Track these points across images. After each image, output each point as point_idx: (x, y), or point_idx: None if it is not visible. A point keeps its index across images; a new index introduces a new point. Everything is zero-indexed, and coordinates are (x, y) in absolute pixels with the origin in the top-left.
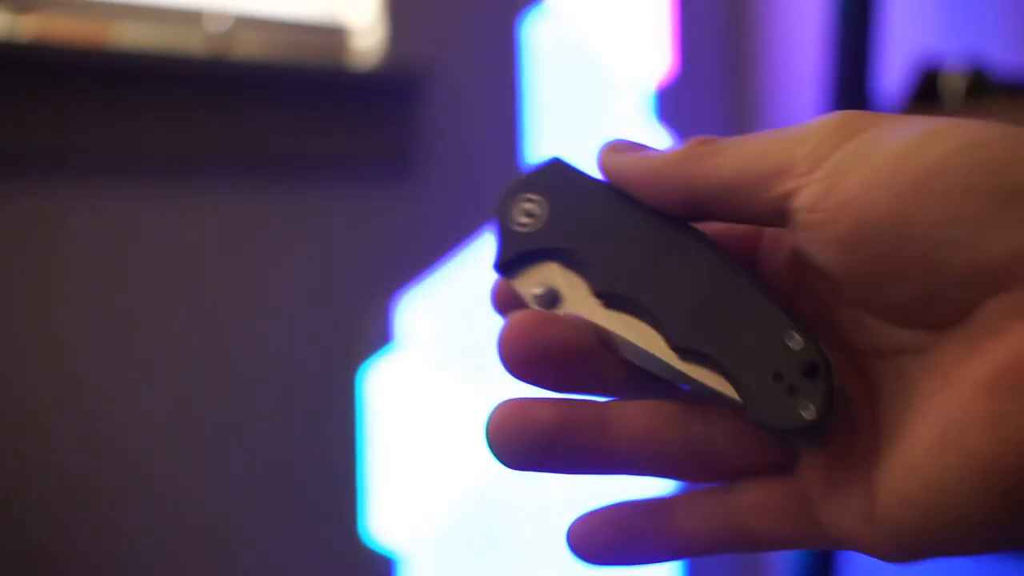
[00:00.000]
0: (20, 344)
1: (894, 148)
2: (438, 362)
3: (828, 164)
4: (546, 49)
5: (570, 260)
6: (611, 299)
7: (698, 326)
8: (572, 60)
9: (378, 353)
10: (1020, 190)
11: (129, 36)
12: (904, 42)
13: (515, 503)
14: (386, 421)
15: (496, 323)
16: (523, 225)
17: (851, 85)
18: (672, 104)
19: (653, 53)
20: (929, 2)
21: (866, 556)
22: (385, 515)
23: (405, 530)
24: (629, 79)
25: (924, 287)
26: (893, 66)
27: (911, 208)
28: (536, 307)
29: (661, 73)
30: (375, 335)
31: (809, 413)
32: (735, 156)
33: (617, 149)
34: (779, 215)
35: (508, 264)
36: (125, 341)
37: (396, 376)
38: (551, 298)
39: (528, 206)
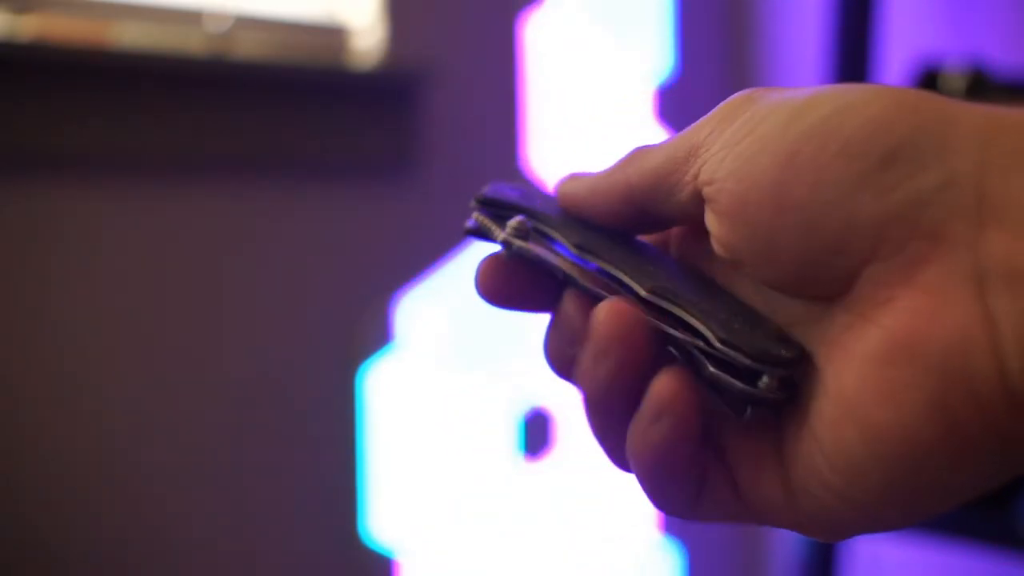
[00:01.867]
0: (19, 343)
1: (777, 116)
2: (438, 362)
3: (722, 140)
4: (546, 49)
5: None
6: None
7: (671, 285)
8: (572, 60)
9: (378, 353)
10: (895, 152)
11: (129, 36)
12: (904, 42)
13: (515, 503)
14: (386, 421)
15: (496, 326)
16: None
17: None
18: (672, 104)
19: (653, 53)
20: (929, 2)
21: (866, 557)
22: (385, 515)
23: (405, 530)
24: (629, 79)
25: (804, 255)
26: (893, 66)
27: (789, 175)
28: (512, 236)
29: (661, 73)
30: (375, 335)
31: (788, 351)
32: (660, 149)
33: (573, 179)
34: (698, 198)
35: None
36: (124, 341)
37: (396, 376)
38: (526, 230)
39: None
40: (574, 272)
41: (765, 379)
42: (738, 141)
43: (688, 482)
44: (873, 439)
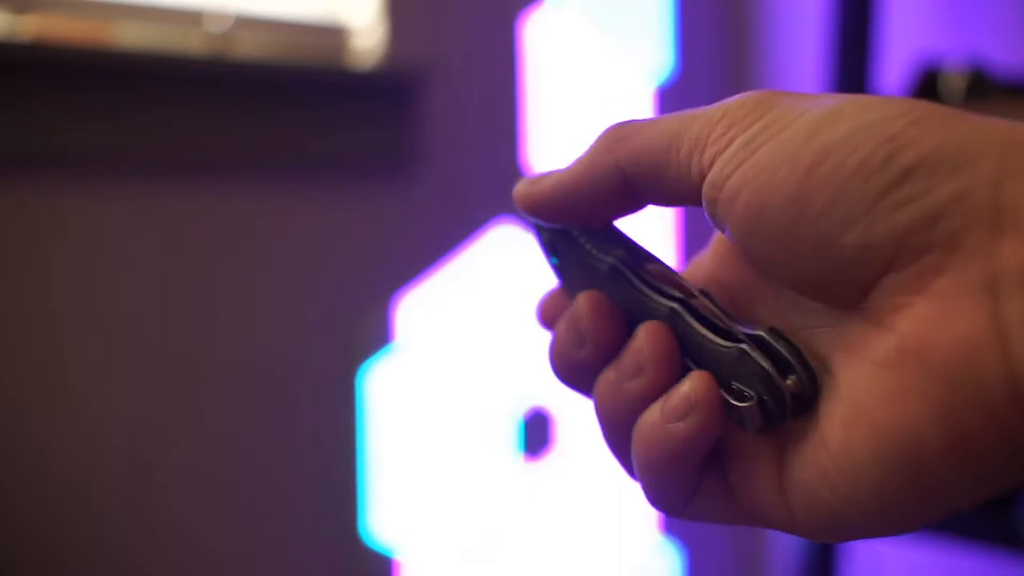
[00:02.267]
0: (20, 344)
1: (798, 127)
2: (438, 362)
3: (738, 142)
4: (546, 49)
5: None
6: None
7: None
8: (572, 60)
9: (378, 353)
10: (914, 168)
11: (129, 36)
12: (904, 42)
13: (515, 503)
14: (386, 421)
15: (496, 326)
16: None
17: (851, 85)
18: (672, 104)
19: (653, 53)
20: (929, 2)
21: (866, 557)
22: (385, 515)
23: (405, 530)
24: (629, 79)
25: (820, 267)
26: (893, 66)
27: (808, 188)
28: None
29: (661, 73)
30: (375, 335)
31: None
32: (658, 132)
33: (532, 180)
34: (698, 191)
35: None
36: (124, 341)
37: (396, 376)
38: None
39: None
40: (632, 260)
41: (793, 377)
42: (755, 149)
43: (692, 481)
44: (880, 441)
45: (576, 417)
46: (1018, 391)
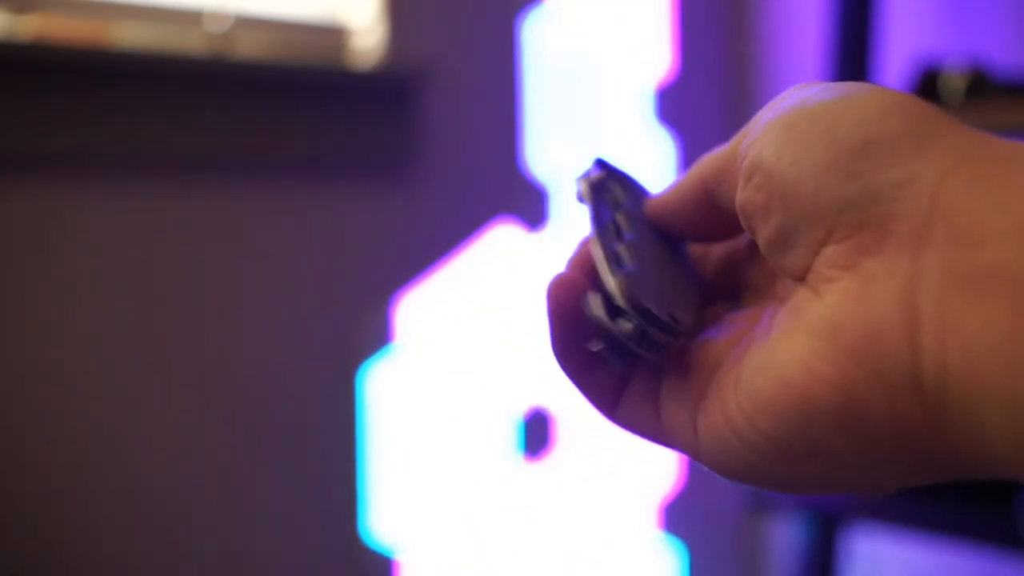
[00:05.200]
0: (19, 343)
1: (802, 97)
2: (438, 362)
3: (763, 117)
4: (546, 49)
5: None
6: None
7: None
8: (572, 60)
9: (378, 354)
10: (873, 144)
11: (129, 36)
12: (904, 42)
13: (515, 503)
14: (386, 422)
15: (496, 326)
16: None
17: None
18: (672, 104)
19: (653, 53)
20: (929, 2)
21: (866, 557)
22: (385, 515)
23: (405, 530)
24: (629, 79)
25: (784, 223)
26: (893, 66)
27: (783, 147)
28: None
29: (661, 73)
30: (375, 336)
31: (670, 318)
32: (730, 141)
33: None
34: None
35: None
36: (124, 342)
37: (396, 377)
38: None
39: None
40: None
41: (622, 321)
42: (771, 118)
43: (584, 372)
44: (781, 396)
45: (576, 417)
46: (919, 380)
